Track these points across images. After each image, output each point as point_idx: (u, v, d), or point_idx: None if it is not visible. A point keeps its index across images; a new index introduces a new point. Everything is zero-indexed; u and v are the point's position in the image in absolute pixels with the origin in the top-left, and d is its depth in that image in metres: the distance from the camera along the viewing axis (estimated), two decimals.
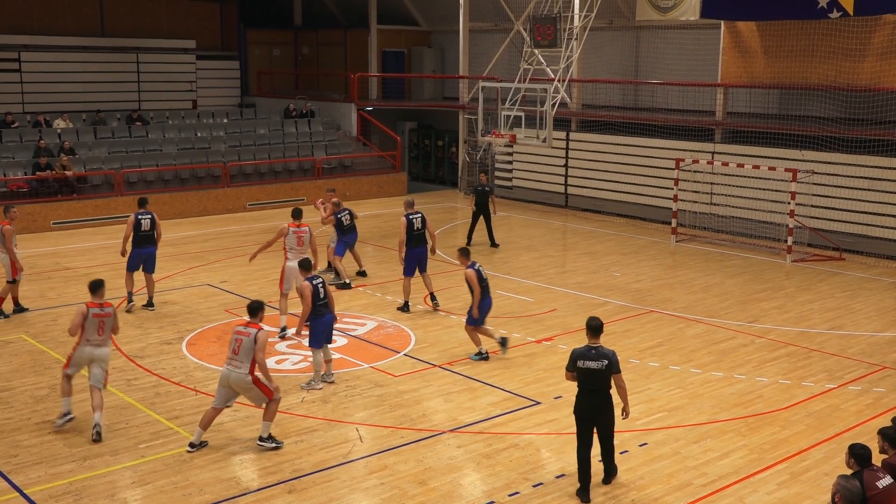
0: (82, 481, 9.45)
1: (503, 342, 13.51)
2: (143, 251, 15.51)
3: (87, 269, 18.57)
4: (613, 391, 9.21)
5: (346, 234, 17.48)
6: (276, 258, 19.68)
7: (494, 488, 9.40)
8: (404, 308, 15.82)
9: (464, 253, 13.56)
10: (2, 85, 28.76)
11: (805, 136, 21.30)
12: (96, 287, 10.80)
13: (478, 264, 13.22)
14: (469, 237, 21.51)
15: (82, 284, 17.37)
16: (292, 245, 14.49)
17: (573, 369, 9.21)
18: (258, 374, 10.06)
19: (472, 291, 12.98)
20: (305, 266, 12.44)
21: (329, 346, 12.39)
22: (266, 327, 10.38)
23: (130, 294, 15.66)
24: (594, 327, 9.30)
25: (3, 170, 23.42)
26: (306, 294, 11.80)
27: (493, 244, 21.39)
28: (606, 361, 9.08)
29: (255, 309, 10.27)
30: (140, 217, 15.47)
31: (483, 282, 13.05)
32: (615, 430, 9.41)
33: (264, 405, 10.22)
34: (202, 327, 14.76)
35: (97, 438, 10.35)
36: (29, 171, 23.50)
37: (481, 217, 21.30)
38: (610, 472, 9.57)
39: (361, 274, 18.14)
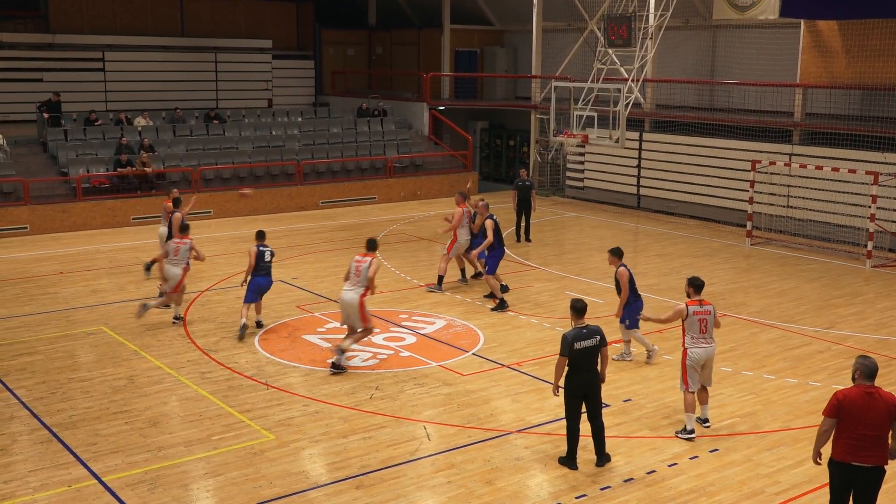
0: (157, 471, 9.69)
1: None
2: None
3: None
4: None
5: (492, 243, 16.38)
6: (347, 256, 19.91)
7: (561, 490, 9.36)
8: (501, 306, 15.86)
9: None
10: (86, 84, 29.69)
11: (887, 138, 20.70)
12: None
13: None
14: (517, 234, 21.56)
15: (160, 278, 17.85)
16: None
17: (568, 353, 9.49)
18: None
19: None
20: (616, 253, 13.05)
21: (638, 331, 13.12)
22: None
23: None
24: (580, 308, 9.82)
25: (87, 166, 24.12)
26: (623, 281, 12.69)
27: (527, 239, 21.50)
28: (599, 337, 9.67)
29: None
30: None
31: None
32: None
33: None
34: (274, 322, 14.99)
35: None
36: (111, 168, 24.17)
37: (524, 212, 21.45)
38: (602, 452, 9.87)
39: (476, 276, 17.58)
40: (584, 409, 9.78)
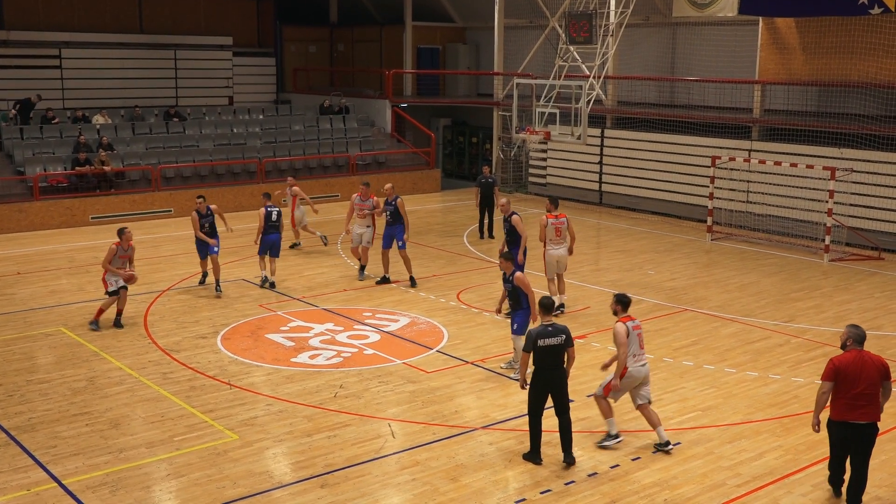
0: (118, 473, 9.58)
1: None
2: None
3: None
4: None
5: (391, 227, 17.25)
6: (311, 255, 19.78)
7: (525, 486, 9.39)
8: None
9: None
10: (43, 81, 29.19)
11: (844, 134, 21.02)
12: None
13: None
14: (481, 230, 21.64)
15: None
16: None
17: (532, 349, 9.54)
18: None
19: None
20: (507, 257, 12.21)
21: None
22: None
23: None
24: (547, 305, 9.87)
25: (44, 165, 23.76)
26: (525, 284, 11.94)
27: (490, 235, 21.60)
28: (564, 336, 9.67)
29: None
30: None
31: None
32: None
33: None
34: (237, 322, 14.89)
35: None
36: (69, 167, 23.83)
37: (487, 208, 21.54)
38: (569, 449, 9.78)
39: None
40: (549, 404, 9.81)
